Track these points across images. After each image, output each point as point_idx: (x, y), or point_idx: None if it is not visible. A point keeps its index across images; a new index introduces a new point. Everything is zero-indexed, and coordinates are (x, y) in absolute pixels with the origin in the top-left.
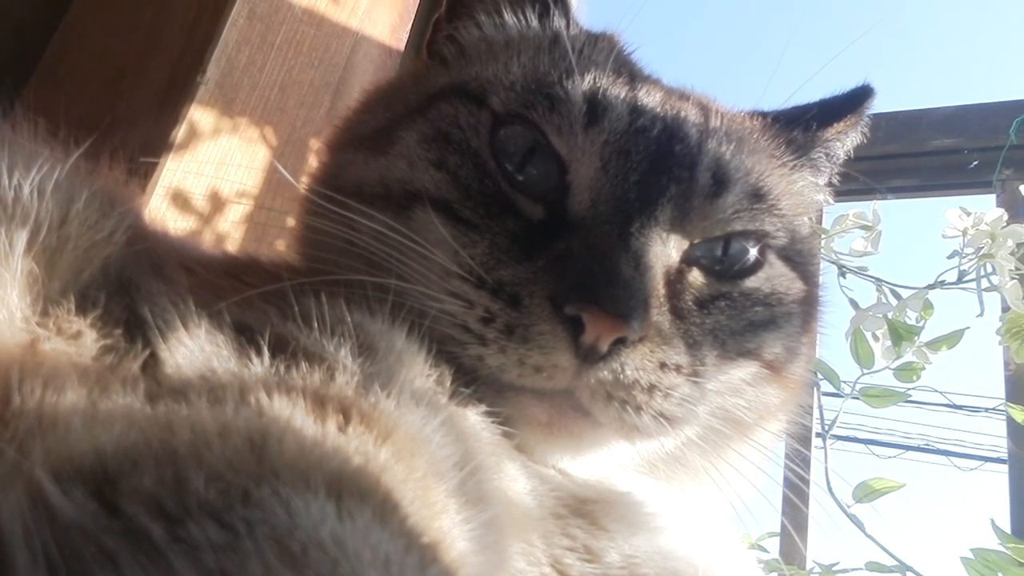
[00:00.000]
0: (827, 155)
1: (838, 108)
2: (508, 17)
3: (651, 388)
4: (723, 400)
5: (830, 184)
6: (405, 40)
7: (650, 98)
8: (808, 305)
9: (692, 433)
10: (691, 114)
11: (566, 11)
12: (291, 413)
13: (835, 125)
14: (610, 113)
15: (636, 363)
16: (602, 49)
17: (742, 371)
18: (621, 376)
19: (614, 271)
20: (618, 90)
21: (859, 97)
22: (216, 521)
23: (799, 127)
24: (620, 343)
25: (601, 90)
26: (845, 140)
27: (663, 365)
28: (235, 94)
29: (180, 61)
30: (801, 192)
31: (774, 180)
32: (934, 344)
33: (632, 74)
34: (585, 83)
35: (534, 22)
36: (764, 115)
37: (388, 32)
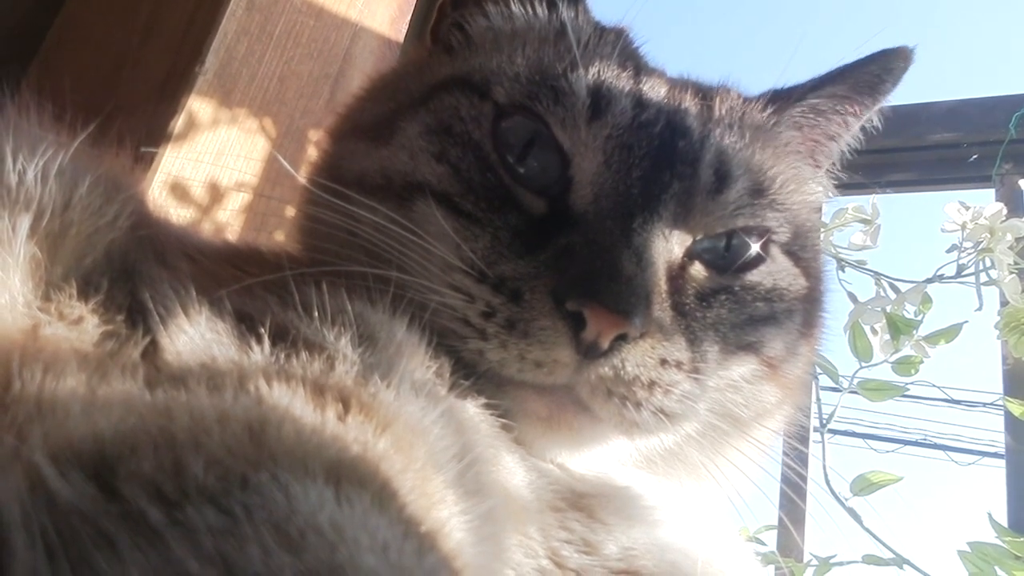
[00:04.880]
0: (814, 119)
1: (842, 72)
2: (516, 7)
3: (651, 384)
4: (722, 396)
5: (838, 163)
6: (404, 32)
7: (654, 92)
8: (810, 303)
9: (691, 429)
10: (695, 108)
11: (575, 1)
12: (290, 401)
13: (825, 87)
14: (614, 107)
15: (637, 359)
16: (608, 42)
17: (742, 367)
18: (622, 372)
19: (616, 267)
20: (623, 84)
21: (870, 60)
22: (214, 505)
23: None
24: (621, 339)
25: (605, 83)
26: (839, 106)
27: (664, 361)
28: (234, 85)
29: (179, 51)
30: (805, 181)
31: (778, 171)
32: (932, 338)
33: (637, 67)
34: (589, 76)
35: (541, 13)
36: (774, 94)
37: (387, 23)
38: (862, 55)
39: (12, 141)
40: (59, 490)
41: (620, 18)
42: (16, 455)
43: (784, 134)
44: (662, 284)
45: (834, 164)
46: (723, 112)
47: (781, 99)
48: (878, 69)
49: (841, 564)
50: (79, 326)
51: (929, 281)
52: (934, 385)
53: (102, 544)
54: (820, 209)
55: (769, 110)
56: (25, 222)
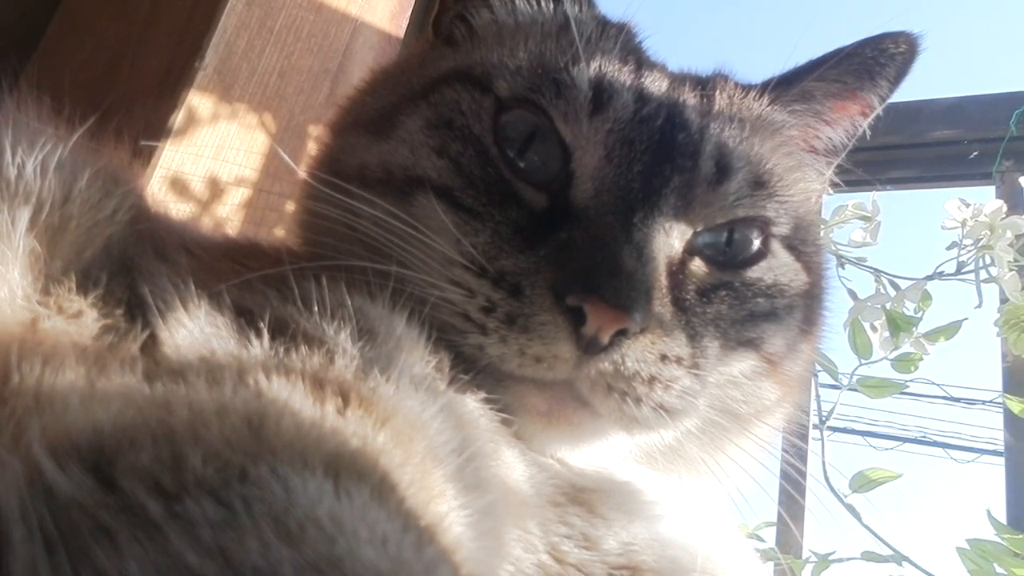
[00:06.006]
0: (807, 104)
1: (833, 55)
2: (520, 1)
3: (651, 380)
4: (722, 393)
5: (841, 152)
6: (405, 27)
7: (655, 86)
8: (811, 300)
9: (691, 425)
10: (694, 101)
11: None
12: (289, 395)
13: (814, 71)
14: (616, 101)
15: (637, 355)
16: (611, 36)
17: (742, 363)
18: (622, 368)
19: (616, 262)
20: (624, 78)
21: (864, 43)
22: (213, 498)
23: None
24: (621, 334)
25: (607, 77)
26: (832, 89)
27: (664, 357)
28: (234, 80)
29: (179, 46)
30: (804, 170)
31: (776, 161)
32: (932, 335)
33: (639, 62)
34: (592, 70)
35: (545, 7)
36: (770, 83)
37: (388, 19)
38: None
39: (11, 135)
40: (57, 483)
41: (623, 13)
42: (14, 448)
43: (781, 123)
44: (662, 279)
45: (835, 150)
46: (722, 104)
47: (776, 87)
48: (873, 52)
49: (840, 561)
50: (78, 320)
51: (929, 278)
52: (933, 382)
53: (101, 537)
54: (820, 200)
55: (766, 99)
56: (24, 215)
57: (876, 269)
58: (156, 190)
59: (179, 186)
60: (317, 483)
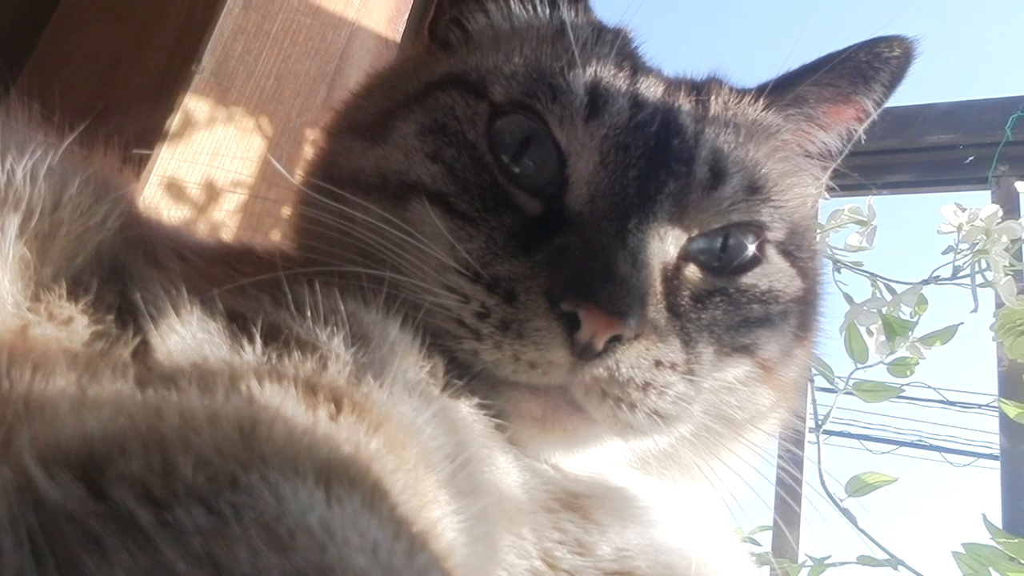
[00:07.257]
0: (800, 108)
1: (827, 59)
2: (515, 6)
3: (646, 386)
4: (716, 398)
5: (837, 157)
6: (401, 31)
7: (651, 91)
8: (806, 305)
9: (685, 431)
10: (690, 106)
11: (576, 0)
12: (282, 401)
13: (808, 75)
14: (611, 106)
15: (631, 360)
16: (607, 41)
17: (736, 369)
18: (616, 373)
19: (611, 268)
20: (620, 83)
21: (858, 47)
22: (204, 506)
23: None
24: (616, 340)
25: (603, 83)
26: (826, 93)
27: (658, 363)
28: (230, 83)
29: (175, 50)
30: (799, 175)
31: (772, 166)
32: (928, 339)
33: (635, 67)
34: (587, 75)
35: (541, 12)
36: (765, 87)
37: (385, 23)
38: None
39: (1, 140)
40: (47, 491)
41: (620, 17)
42: (3, 456)
43: (776, 127)
44: (657, 285)
45: (830, 155)
46: (717, 109)
47: (771, 91)
48: (867, 56)
49: (836, 565)
50: (69, 326)
51: (925, 282)
52: (929, 386)
53: (90, 545)
54: (816, 204)
55: (760, 104)
56: (14, 222)
57: (872, 273)
58: (152, 194)
59: (175, 190)
60: (308, 490)
